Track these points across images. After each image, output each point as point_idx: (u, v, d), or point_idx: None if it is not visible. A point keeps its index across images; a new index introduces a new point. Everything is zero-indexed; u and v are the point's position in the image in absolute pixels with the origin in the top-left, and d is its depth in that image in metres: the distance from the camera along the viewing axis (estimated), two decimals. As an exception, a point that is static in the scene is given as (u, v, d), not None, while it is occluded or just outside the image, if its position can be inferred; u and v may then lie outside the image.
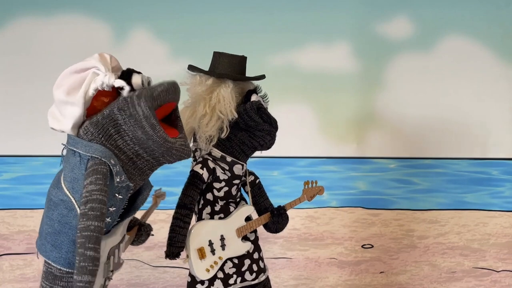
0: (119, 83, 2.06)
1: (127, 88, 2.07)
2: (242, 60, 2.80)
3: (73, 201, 2.12)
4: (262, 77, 2.81)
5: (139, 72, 2.13)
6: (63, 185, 2.16)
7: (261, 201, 2.96)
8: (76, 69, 2.07)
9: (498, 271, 4.28)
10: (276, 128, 2.75)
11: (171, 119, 2.29)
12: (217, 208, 2.77)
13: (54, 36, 4.03)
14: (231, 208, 2.81)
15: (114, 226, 2.31)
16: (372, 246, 4.25)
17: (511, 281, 4.28)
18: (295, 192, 3.14)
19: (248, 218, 2.86)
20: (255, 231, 2.89)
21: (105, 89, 2.06)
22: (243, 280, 2.79)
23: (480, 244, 4.28)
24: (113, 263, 2.31)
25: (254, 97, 2.73)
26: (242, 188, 2.93)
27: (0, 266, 4.08)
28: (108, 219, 2.20)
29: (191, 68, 2.81)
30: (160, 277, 4.13)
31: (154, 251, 4.08)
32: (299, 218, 4.14)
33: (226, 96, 2.68)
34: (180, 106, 2.79)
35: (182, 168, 3.78)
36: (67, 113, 2.08)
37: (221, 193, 2.78)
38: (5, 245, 4.08)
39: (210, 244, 2.71)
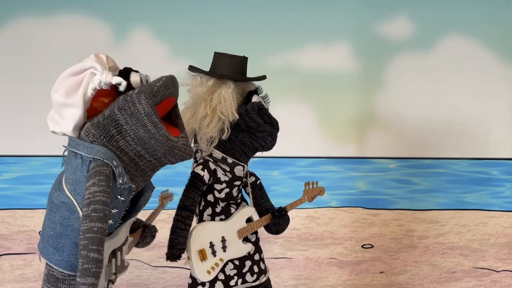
0: (117, 79, 2.05)
1: (124, 83, 2.06)
2: (243, 60, 2.80)
3: (75, 203, 2.12)
4: (263, 77, 2.81)
5: (136, 71, 2.13)
6: (64, 187, 2.15)
7: (262, 202, 2.95)
8: (73, 71, 2.06)
9: (498, 271, 4.28)
10: (277, 129, 2.75)
11: (172, 118, 2.28)
12: (218, 209, 2.77)
13: (54, 36, 4.03)
14: (232, 210, 2.81)
15: (116, 228, 2.31)
16: (372, 246, 4.25)
17: (511, 281, 4.28)
18: (295, 192, 3.14)
19: (249, 220, 2.85)
20: (256, 233, 2.89)
21: (104, 87, 2.04)
22: (244, 281, 2.79)
23: (480, 244, 4.28)
24: (115, 265, 2.30)
25: (255, 98, 2.72)
26: (243, 189, 2.92)
27: (0, 266, 4.08)
28: (110, 221, 2.18)
29: (192, 68, 2.80)
30: (160, 277, 4.13)
31: (154, 251, 4.08)
32: (299, 218, 4.14)
33: (227, 97, 2.67)
34: (181, 106, 2.79)
35: (182, 168, 3.78)
36: (67, 115, 2.07)
37: (222, 195, 2.77)
38: (5, 245, 4.08)
39: (211, 245, 2.71)
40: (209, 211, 2.76)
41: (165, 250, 2.71)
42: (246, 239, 2.83)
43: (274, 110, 2.83)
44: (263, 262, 2.89)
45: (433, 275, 4.26)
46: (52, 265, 2.19)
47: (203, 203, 2.78)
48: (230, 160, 2.74)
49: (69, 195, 2.12)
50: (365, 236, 4.24)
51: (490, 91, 4.22)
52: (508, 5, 4.23)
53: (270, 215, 2.90)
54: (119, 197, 2.15)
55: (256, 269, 2.83)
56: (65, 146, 2.18)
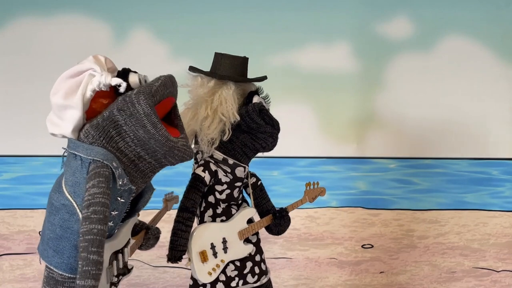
0: (116, 81, 2.04)
1: (124, 84, 2.05)
2: (243, 61, 2.79)
3: (75, 205, 2.11)
4: (264, 78, 2.81)
5: (135, 72, 2.12)
6: (64, 189, 2.14)
7: (263, 203, 2.95)
8: (72, 73, 2.05)
9: (498, 271, 4.28)
10: (278, 130, 2.74)
11: (171, 119, 2.27)
12: (219, 210, 2.77)
13: (54, 36, 4.03)
14: (233, 211, 2.81)
15: (116, 230, 2.30)
16: (372, 246, 4.25)
17: (511, 281, 4.28)
18: (295, 192, 3.14)
19: (250, 221, 2.85)
20: (257, 234, 2.88)
21: (103, 89, 2.04)
22: (245, 282, 2.79)
23: (480, 244, 4.28)
24: (117, 268, 2.28)
25: (256, 99, 2.72)
26: (244, 190, 2.92)
27: (0, 266, 4.08)
28: (110, 223, 2.17)
29: (192, 69, 2.79)
30: (160, 277, 4.13)
31: (154, 251, 4.07)
32: (299, 218, 4.14)
33: (228, 98, 2.67)
34: (181, 107, 2.80)
35: (182, 168, 3.77)
36: (66, 117, 2.06)
37: (223, 196, 2.77)
38: (5, 245, 4.08)
39: (212, 247, 2.71)
40: (210, 212, 2.76)
41: (165, 250, 2.71)
42: (247, 240, 2.83)
43: (274, 110, 2.83)
44: (264, 263, 2.89)
45: (433, 275, 4.27)
46: (52, 267, 2.17)
47: (204, 204, 2.77)
48: (231, 161, 2.74)
49: (69, 197, 2.12)
50: (365, 236, 4.25)
51: (490, 91, 4.22)
52: (508, 5, 4.23)
53: (271, 216, 2.90)
54: (119, 199, 2.15)
55: (257, 270, 2.83)
56: (64, 148, 2.18)
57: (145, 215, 2.76)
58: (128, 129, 2.06)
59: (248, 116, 2.66)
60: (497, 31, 4.21)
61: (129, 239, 2.40)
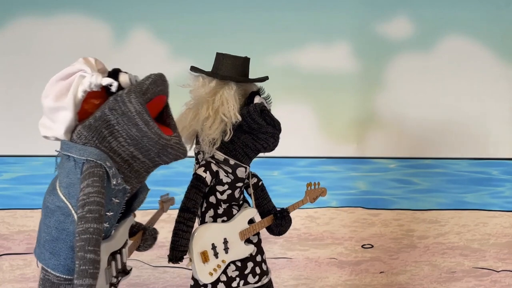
0: (107, 81, 2.05)
1: (115, 83, 2.06)
2: (245, 61, 2.80)
3: (70, 206, 2.11)
4: (265, 78, 2.80)
5: (125, 72, 2.13)
6: (58, 191, 2.14)
7: (264, 204, 2.95)
8: (62, 75, 2.06)
9: (498, 271, 4.28)
10: (279, 130, 2.74)
11: (163, 118, 2.27)
12: (220, 211, 2.77)
13: (54, 36, 4.03)
14: (234, 211, 2.81)
15: (113, 230, 2.30)
16: (372, 246, 4.25)
17: (511, 281, 4.28)
18: (295, 192, 3.14)
19: (251, 221, 2.85)
20: (258, 234, 2.88)
21: (94, 89, 2.04)
22: (246, 283, 2.79)
23: (480, 244, 4.28)
24: (116, 268, 2.29)
25: (257, 99, 2.71)
26: (245, 191, 2.92)
27: (0, 266, 4.08)
28: (106, 224, 2.18)
29: (194, 69, 2.79)
30: (160, 277, 4.13)
31: (154, 251, 4.07)
32: (299, 218, 4.14)
33: (229, 99, 2.66)
34: (182, 107, 2.80)
35: (183, 168, 3.79)
36: (58, 119, 2.06)
37: (224, 196, 2.77)
38: (5, 245, 4.08)
39: (213, 247, 2.70)
40: (211, 212, 2.76)
41: (165, 250, 2.71)
42: (248, 241, 2.83)
43: (274, 110, 2.83)
44: (265, 263, 2.89)
45: (433, 275, 4.27)
46: (49, 269, 2.17)
47: (205, 205, 2.77)
48: (232, 161, 2.74)
49: (64, 198, 2.12)
50: (365, 236, 4.25)
51: (490, 91, 4.22)
52: (508, 5, 4.23)
53: (272, 217, 2.90)
54: (113, 199, 2.15)
55: (258, 270, 2.83)
56: (57, 151, 2.18)
57: (144, 215, 2.76)
58: (120, 128, 2.06)
59: (250, 117, 2.66)
60: (497, 31, 4.21)
61: (127, 240, 2.40)
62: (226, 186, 2.75)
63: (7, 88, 4.03)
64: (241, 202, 2.86)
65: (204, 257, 2.68)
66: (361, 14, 4.18)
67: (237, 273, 2.76)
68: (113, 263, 2.27)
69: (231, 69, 2.73)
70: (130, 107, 2.02)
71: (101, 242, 2.09)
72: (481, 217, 4.29)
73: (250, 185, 2.90)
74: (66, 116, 2.04)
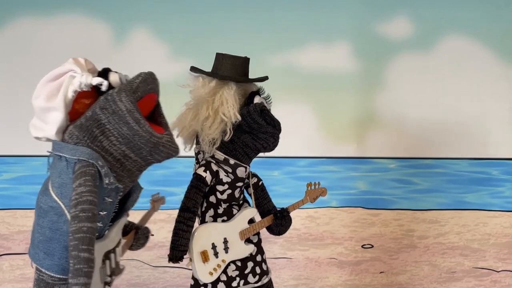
0: (97, 80, 2.06)
1: (105, 83, 2.07)
2: (245, 61, 2.80)
3: (63, 206, 2.11)
4: (265, 78, 2.81)
5: (115, 71, 2.14)
6: (51, 191, 2.15)
7: (264, 204, 2.95)
8: (52, 76, 2.07)
9: (498, 271, 4.28)
10: (279, 130, 2.74)
11: (155, 117, 2.28)
12: (220, 211, 2.77)
13: (54, 36, 4.02)
14: (234, 211, 2.81)
15: (107, 230, 2.30)
16: (372, 246, 4.25)
17: (511, 281, 4.28)
18: (295, 192, 3.14)
19: (251, 221, 2.85)
20: (258, 234, 2.88)
21: (84, 89, 2.05)
22: (246, 282, 2.79)
23: (480, 244, 4.28)
24: (109, 267, 2.30)
25: (257, 99, 2.72)
26: (245, 191, 2.92)
27: (0, 266, 4.08)
28: (100, 224, 2.19)
29: (194, 69, 2.79)
30: (160, 277, 4.13)
31: (154, 251, 4.08)
32: (299, 218, 4.14)
33: (229, 99, 2.67)
34: (183, 108, 2.80)
35: (182, 168, 3.79)
36: (49, 120, 2.08)
37: (224, 196, 2.77)
38: (5, 245, 4.08)
39: (213, 247, 2.71)
40: (211, 212, 2.76)
41: (165, 249, 2.72)
42: (248, 240, 2.83)
43: (274, 110, 2.83)
44: (265, 263, 2.89)
45: (433, 275, 4.27)
46: (43, 270, 2.18)
47: (205, 205, 2.77)
48: (232, 161, 2.74)
49: (56, 198, 2.12)
50: (365, 236, 4.25)
51: (490, 91, 4.22)
52: (508, 5, 4.23)
53: (272, 216, 2.90)
54: (106, 198, 2.16)
55: (258, 270, 2.83)
56: (49, 151, 2.18)
57: (137, 215, 2.76)
58: (111, 127, 2.07)
59: (250, 116, 2.66)
60: (497, 31, 4.21)
61: (120, 239, 2.41)
62: (226, 186, 2.75)
63: (7, 88, 4.03)
64: (241, 202, 2.86)
65: (204, 256, 2.68)
66: (361, 14, 4.18)
67: (237, 272, 2.76)
68: (107, 262, 2.28)
69: (230, 69, 2.74)
70: (120, 106, 2.03)
71: (95, 242, 2.11)
72: (481, 217, 4.28)
73: (250, 185, 2.90)
74: (57, 117, 2.06)
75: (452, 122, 4.21)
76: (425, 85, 4.21)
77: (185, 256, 2.68)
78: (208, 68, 2.80)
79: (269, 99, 2.82)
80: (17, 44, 4.02)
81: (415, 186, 4.27)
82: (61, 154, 2.10)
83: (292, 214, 2.98)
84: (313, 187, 3.08)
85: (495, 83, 4.22)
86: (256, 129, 2.68)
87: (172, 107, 2.82)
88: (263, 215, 2.94)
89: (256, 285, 2.82)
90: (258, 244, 2.87)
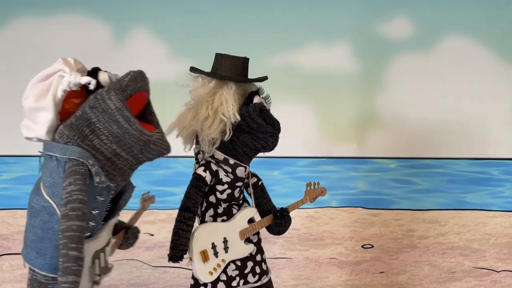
0: (85, 79, 2.07)
1: (93, 81, 2.08)
2: (244, 61, 2.80)
3: (54, 206, 2.12)
4: (264, 78, 2.81)
5: (105, 71, 2.15)
6: (43, 191, 2.16)
7: (263, 203, 2.95)
8: (42, 77, 2.09)
9: (498, 271, 4.28)
10: (278, 130, 2.75)
11: (146, 116, 2.28)
12: (220, 210, 2.77)
13: (54, 36, 4.02)
14: (234, 211, 2.81)
15: (98, 229, 2.31)
16: (372, 246, 4.25)
17: (511, 281, 4.28)
18: (295, 192, 3.14)
19: (251, 220, 2.86)
20: (257, 233, 2.89)
21: (73, 88, 2.06)
22: (246, 282, 2.79)
23: (480, 244, 4.28)
24: (99, 267, 2.31)
25: (256, 99, 2.72)
26: (244, 190, 2.92)
27: (0, 266, 4.08)
28: (91, 223, 2.19)
29: (193, 69, 2.80)
30: (160, 277, 4.13)
31: (154, 251, 4.08)
32: (299, 218, 4.14)
33: (228, 99, 2.67)
34: (182, 108, 2.81)
35: (182, 168, 3.79)
36: (39, 120, 2.09)
37: (224, 196, 2.77)
38: (5, 245, 4.08)
39: (213, 246, 2.71)
40: (211, 212, 2.76)
41: (165, 249, 2.71)
42: (248, 240, 2.83)
43: (274, 110, 2.83)
44: (265, 263, 2.90)
45: (433, 275, 4.26)
46: (35, 269, 2.19)
47: (205, 204, 2.78)
48: (231, 161, 2.74)
49: (48, 198, 2.13)
50: (365, 236, 4.24)
51: (490, 91, 4.22)
52: (508, 5, 4.23)
53: (272, 216, 2.91)
54: (98, 197, 2.16)
55: (258, 269, 2.83)
56: (40, 152, 2.19)
57: (127, 214, 2.75)
58: (101, 126, 2.08)
59: (249, 116, 2.67)
60: (497, 31, 4.20)
61: (110, 238, 2.42)
62: (225, 186, 2.76)
63: (7, 88, 4.03)
64: (241, 201, 2.86)
65: (204, 256, 2.68)
66: (361, 14, 4.18)
67: (237, 272, 2.77)
68: (96, 261, 2.29)
69: (230, 69, 2.74)
70: (110, 104, 2.04)
71: (86, 241, 2.12)
72: (481, 217, 4.28)
73: (250, 184, 2.91)
74: (46, 116, 2.07)
75: (452, 122, 4.21)
76: (425, 85, 4.21)
77: (185, 256, 2.68)
78: (208, 68, 2.80)
79: (269, 99, 2.82)
80: (17, 44, 4.02)
81: (415, 186, 4.27)
82: (51, 154, 2.11)
83: (292, 214, 2.98)
84: (312, 187, 3.08)
85: (495, 83, 4.22)
86: (255, 129, 2.69)
87: (172, 107, 2.83)
88: (262, 214, 2.95)
89: (255, 284, 2.82)
90: (258, 244, 2.87)
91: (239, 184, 2.80)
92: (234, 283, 2.75)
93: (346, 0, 4.16)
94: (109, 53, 4.02)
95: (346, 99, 4.18)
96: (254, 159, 2.87)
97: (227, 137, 2.68)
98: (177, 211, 2.71)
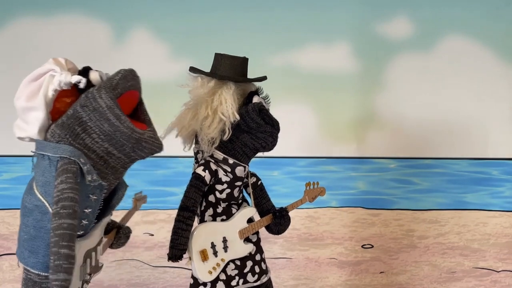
0: (76, 78, 2.08)
1: (83, 80, 2.09)
2: (243, 61, 2.81)
3: (47, 204, 2.13)
4: (263, 78, 2.82)
5: (96, 70, 2.16)
6: (35, 190, 2.17)
7: (263, 203, 2.96)
8: (33, 77, 2.11)
9: (498, 271, 4.28)
10: (278, 129, 2.75)
11: (138, 115, 2.29)
12: (219, 210, 2.77)
13: (54, 36, 4.02)
14: (233, 210, 2.81)
15: (91, 228, 2.31)
16: (372, 246, 4.25)
17: (511, 281, 4.28)
18: (295, 192, 3.14)
19: (250, 220, 2.86)
20: (257, 233, 2.89)
21: (64, 87, 2.07)
22: (245, 281, 2.79)
23: (480, 244, 4.28)
24: (90, 266, 2.31)
25: (256, 99, 2.73)
26: (244, 190, 2.92)
27: (0, 266, 4.08)
28: (84, 221, 2.20)
29: (193, 69, 2.80)
30: (160, 277, 4.13)
31: (154, 251, 4.08)
32: (299, 218, 4.14)
33: (228, 98, 2.67)
34: (182, 108, 2.81)
35: (183, 168, 3.79)
36: (30, 120, 2.10)
37: (223, 195, 2.77)
38: (5, 245, 4.09)
39: (213, 246, 2.71)
40: (210, 211, 2.77)
41: (165, 249, 2.72)
42: (247, 240, 2.83)
43: (274, 110, 2.83)
44: (264, 262, 2.90)
45: (433, 275, 4.26)
46: (29, 268, 2.20)
47: (204, 204, 2.78)
48: (231, 160, 2.75)
49: (40, 197, 2.14)
50: (365, 236, 4.24)
51: (490, 91, 4.22)
52: (508, 5, 4.23)
53: (271, 216, 2.91)
54: (91, 196, 2.17)
55: (257, 269, 2.83)
56: (33, 151, 2.19)
57: (119, 214, 2.76)
58: (93, 124, 2.08)
59: (248, 116, 2.67)
60: (497, 31, 4.20)
61: (102, 237, 2.43)
62: (225, 185, 2.76)
63: (7, 88, 4.02)
64: (240, 201, 2.87)
65: (204, 255, 2.68)
66: (361, 14, 4.18)
67: (236, 272, 2.77)
68: (88, 260, 2.30)
69: (229, 69, 2.75)
70: (100, 103, 2.04)
71: (79, 240, 2.14)
72: (481, 217, 4.28)
73: (249, 184, 2.91)
74: (38, 116, 2.08)
75: (452, 122, 4.21)
76: (425, 85, 4.21)
77: (184, 255, 2.68)
78: (208, 68, 2.80)
79: (268, 99, 2.83)
80: (17, 44, 4.02)
81: (415, 186, 4.27)
82: (44, 153, 2.12)
83: (292, 214, 2.98)
84: (311, 186, 3.08)
85: (495, 83, 4.22)
86: (254, 129, 2.69)
87: (172, 107, 2.84)
88: (262, 214, 2.95)
89: (255, 284, 2.82)
90: (257, 243, 2.87)
91: (239, 183, 2.80)
92: (233, 283, 2.75)
93: (346, 0, 4.16)
94: (109, 53, 4.03)
95: (346, 99, 4.18)
96: (254, 159, 2.87)
97: (226, 137, 2.69)
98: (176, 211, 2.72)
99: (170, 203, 2.93)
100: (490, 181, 4.28)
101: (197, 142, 2.82)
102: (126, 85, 2.14)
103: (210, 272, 2.69)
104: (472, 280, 4.27)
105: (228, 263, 2.75)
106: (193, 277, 2.76)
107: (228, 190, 2.77)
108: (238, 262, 2.78)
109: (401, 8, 4.19)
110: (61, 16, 4.04)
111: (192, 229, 2.70)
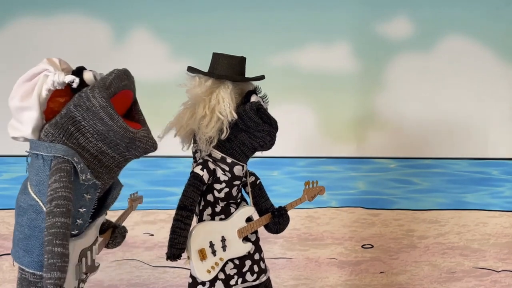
0: (69, 78, 2.09)
1: (76, 80, 2.09)
2: (241, 61, 2.81)
3: (41, 204, 2.14)
4: (261, 77, 2.82)
5: (90, 70, 2.16)
6: (30, 190, 2.18)
7: (261, 202, 2.96)
8: (27, 77, 2.11)
9: (498, 271, 4.28)
10: (276, 128, 2.75)
11: (132, 115, 2.30)
12: (217, 209, 2.78)
13: (54, 36, 4.03)
14: (232, 209, 2.81)
15: (85, 228, 2.32)
16: (372, 246, 4.25)
17: (511, 281, 4.28)
18: (295, 192, 3.14)
19: (249, 219, 2.86)
20: (256, 232, 2.89)
21: (57, 87, 2.08)
22: (244, 281, 2.80)
23: (480, 244, 4.28)
24: (85, 265, 2.32)
25: (253, 98, 2.73)
26: (242, 189, 2.93)
27: (0, 266, 4.09)
28: (79, 221, 2.21)
29: (190, 69, 2.81)
30: (160, 277, 4.13)
31: (154, 251, 4.08)
32: (299, 218, 4.14)
33: (225, 97, 2.68)
34: (180, 107, 2.81)
35: (183, 168, 3.79)
36: (24, 119, 2.10)
37: (222, 194, 2.77)
38: (5, 245, 4.08)
39: (211, 245, 2.71)
40: (209, 210, 2.77)
41: (165, 250, 2.72)
42: (246, 239, 2.83)
43: (274, 110, 2.83)
44: (263, 262, 2.90)
45: (433, 275, 4.26)
46: (23, 267, 2.20)
47: (202, 203, 2.78)
48: (229, 159, 2.75)
49: (35, 196, 2.15)
50: (365, 236, 4.24)
51: (490, 91, 4.22)
52: (508, 5, 4.23)
53: (270, 215, 2.91)
54: (85, 195, 2.18)
55: (256, 268, 2.83)
56: (27, 151, 2.20)
57: (115, 214, 2.76)
58: (86, 124, 2.09)
59: (246, 115, 2.67)
60: (497, 31, 4.20)
61: (97, 237, 2.43)
62: (223, 184, 2.76)
63: (7, 88, 4.02)
64: (239, 200, 2.87)
65: (202, 255, 2.68)
66: (361, 14, 4.18)
67: (235, 271, 2.77)
68: (83, 259, 2.30)
69: (227, 69, 2.75)
70: (94, 102, 2.05)
71: (73, 239, 2.14)
72: (481, 217, 4.28)
73: (248, 183, 2.91)
74: (31, 116, 2.09)
75: (452, 122, 4.21)
76: (425, 85, 4.21)
77: (183, 255, 2.68)
78: (207, 68, 2.80)
79: (266, 98, 2.83)
80: (17, 44, 4.02)
81: (415, 186, 4.27)
82: (37, 153, 2.12)
83: (292, 214, 2.98)
84: (311, 185, 3.09)
85: (495, 83, 4.22)
86: (252, 128, 2.69)
87: (172, 107, 2.84)
88: (261, 213, 2.95)
89: (254, 283, 2.83)
90: (256, 243, 2.87)
91: (237, 182, 2.80)
92: (232, 282, 2.75)
93: (346, 0, 4.16)
94: (109, 53, 4.03)
95: (346, 99, 4.18)
96: (254, 159, 2.87)
97: (224, 136, 2.69)
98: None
99: (170, 203, 2.93)
100: (490, 181, 4.28)
101: (195, 142, 2.82)
102: (120, 85, 2.15)
103: (209, 271, 2.69)
104: (472, 280, 4.27)
105: (227, 262, 2.75)
106: (191, 276, 2.77)
107: (227, 189, 2.78)
108: (237, 261, 2.78)
109: (401, 8, 4.19)
110: (61, 16, 4.05)
111: (191, 228, 2.70)
